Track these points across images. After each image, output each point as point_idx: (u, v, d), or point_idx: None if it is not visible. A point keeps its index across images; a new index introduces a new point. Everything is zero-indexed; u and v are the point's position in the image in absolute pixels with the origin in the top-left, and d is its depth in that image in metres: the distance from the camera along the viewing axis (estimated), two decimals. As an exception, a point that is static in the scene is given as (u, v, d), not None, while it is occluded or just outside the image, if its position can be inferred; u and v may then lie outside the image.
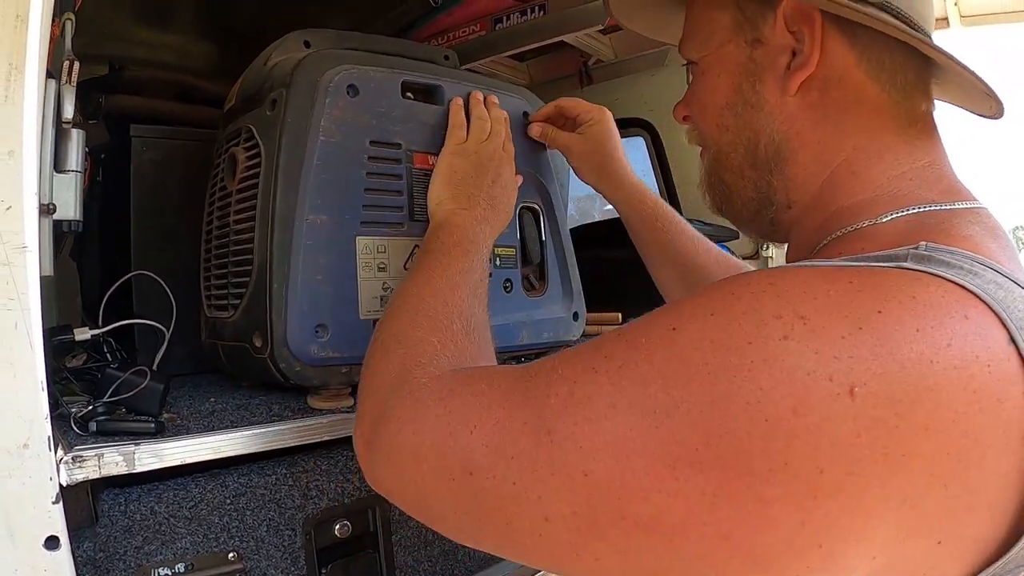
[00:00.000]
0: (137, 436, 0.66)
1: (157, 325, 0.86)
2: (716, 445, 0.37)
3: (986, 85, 0.54)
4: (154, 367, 0.89)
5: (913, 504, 0.38)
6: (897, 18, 0.53)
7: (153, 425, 0.68)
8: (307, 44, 0.95)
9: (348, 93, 0.88)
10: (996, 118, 0.59)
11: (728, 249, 2.09)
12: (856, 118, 0.56)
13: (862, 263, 0.43)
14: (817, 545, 0.37)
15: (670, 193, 2.36)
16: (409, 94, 0.95)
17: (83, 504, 0.65)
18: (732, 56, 0.60)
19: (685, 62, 0.68)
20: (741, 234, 2.11)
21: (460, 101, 0.96)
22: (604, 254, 1.88)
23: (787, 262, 0.62)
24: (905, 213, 0.51)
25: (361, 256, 0.90)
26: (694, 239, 1.02)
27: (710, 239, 2.04)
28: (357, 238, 0.89)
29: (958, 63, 0.53)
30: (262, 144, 0.86)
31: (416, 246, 0.95)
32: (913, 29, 0.53)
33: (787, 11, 0.55)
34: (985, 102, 0.57)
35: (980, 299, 0.41)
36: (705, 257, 0.99)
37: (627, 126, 2.39)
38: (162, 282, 0.98)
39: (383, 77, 0.92)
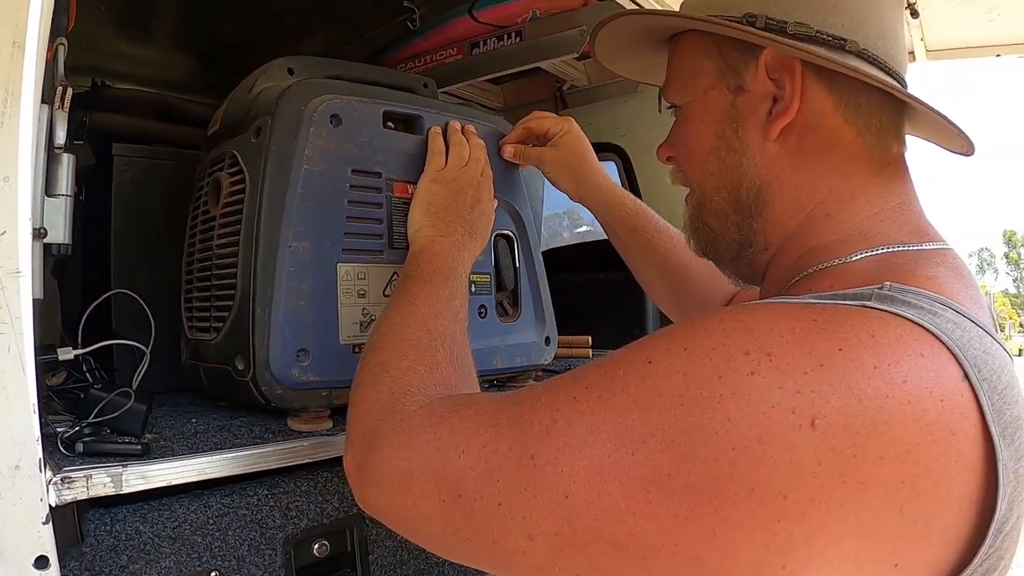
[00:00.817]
0: (124, 457, 0.68)
1: (138, 345, 0.87)
2: (687, 472, 0.40)
3: (956, 127, 0.57)
4: (134, 387, 0.90)
5: (871, 529, 0.41)
6: (874, 64, 0.56)
7: (140, 447, 0.70)
8: (291, 71, 0.98)
9: (331, 123, 0.91)
10: (967, 155, 0.62)
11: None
12: (832, 161, 0.58)
13: (828, 301, 0.46)
14: (781, 567, 0.40)
15: (640, 215, 2.41)
16: (390, 124, 0.99)
17: (69, 524, 0.66)
18: (715, 102, 0.61)
19: (670, 105, 0.69)
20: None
21: (439, 129, 1.00)
22: (573, 278, 1.93)
23: (760, 298, 0.66)
24: (874, 253, 0.54)
25: (342, 282, 0.92)
26: (673, 238, 1.04)
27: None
28: (338, 264, 0.92)
29: (931, 108, 0.56)
30: (246, 170, 0.89)
31: (395, 273, 0.98)
32: (889, 75, 0.56)
33: (769, 60, 0.58)
34: (957, 140, 0.60)
35: (937, 338, 0.44)
36: (685, 254, 0.98)
37: (599, 151, 2.42)
38: (141, 301, 0.99)
39: (365, 107, 0.95)
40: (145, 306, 0.99)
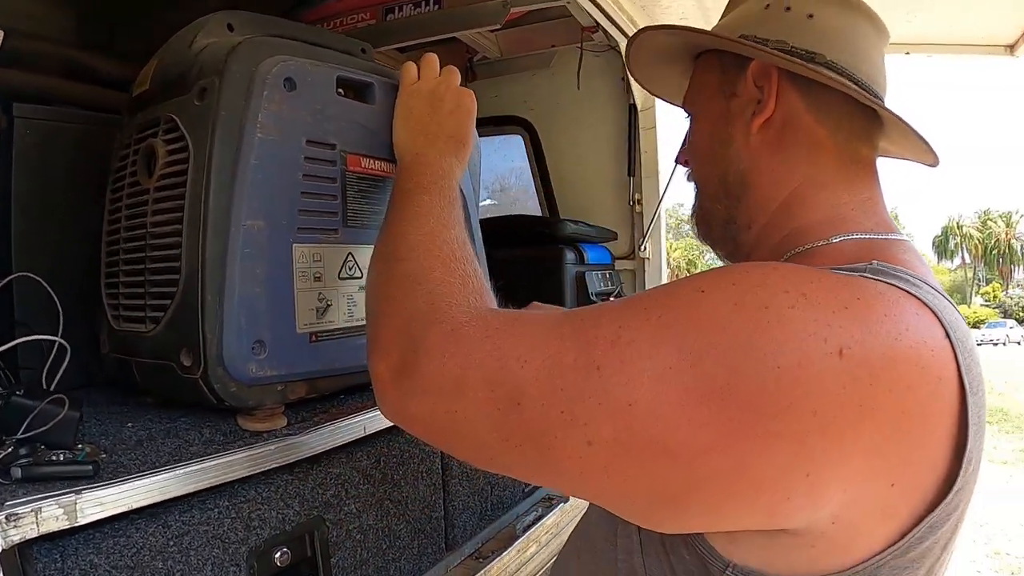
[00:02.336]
0: (73, 481, 0.57)
1: (59, 340, 0.74)
2: (738, 385, 0.46)
3: (923, 140, 0.65)
4: (50, 387, 0.77)
5: (875, 450, 0.48)
6: (840, 74, 0.64)
7: (89, 466, 0.59)
8: (230, 27, 0.87)
9: (285, 87, 0.81)
10: (934, 166, 0.71)
11: (607, 250, 2.18)
12: (806, 154, 0.67)
13: (830, 271, 0.53)
14: (805, 474, 0.47)
15: (547, 191, 2.41)
16: (340, 91, 0.90)
17: (12, 567, 0.55)
18: (715, 107, 0.72)
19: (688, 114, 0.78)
20: (619, 234, 2.21)
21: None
22: (500, 253, 1.89)
23: None
24: (850, 237, 0.62)
25: (297, 265, 0.83)
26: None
27: (591, 239, 2.11)
28: (294, 245, 0.83)
29: (894, 115, 0.64)
30: (189, 137, 0.77)
31: (350, 254, 0.91)
32: (856, 85, 0.64)
33: (754, 70, 0.68)
34: (925, 154, 0.69)
35: (924, 303, 0.52)
36: None
37: (506, 124, 2.41)
38: (47, 286, 0.85)
39: (318, 71, 0.86)
40: (52, 292, 0.85)
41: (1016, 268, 54.94)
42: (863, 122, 0.67)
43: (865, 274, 0.53)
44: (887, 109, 0.64)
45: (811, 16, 0.66)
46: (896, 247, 0.61)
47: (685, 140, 0.78)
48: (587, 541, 0.72)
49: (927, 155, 0.69)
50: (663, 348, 0.48)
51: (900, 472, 0.49)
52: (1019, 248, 54.21)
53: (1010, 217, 56.26)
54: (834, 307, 0.48)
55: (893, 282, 0.52)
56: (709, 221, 0.75)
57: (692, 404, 0.46)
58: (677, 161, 0.80)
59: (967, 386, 0.51)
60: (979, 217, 57.81)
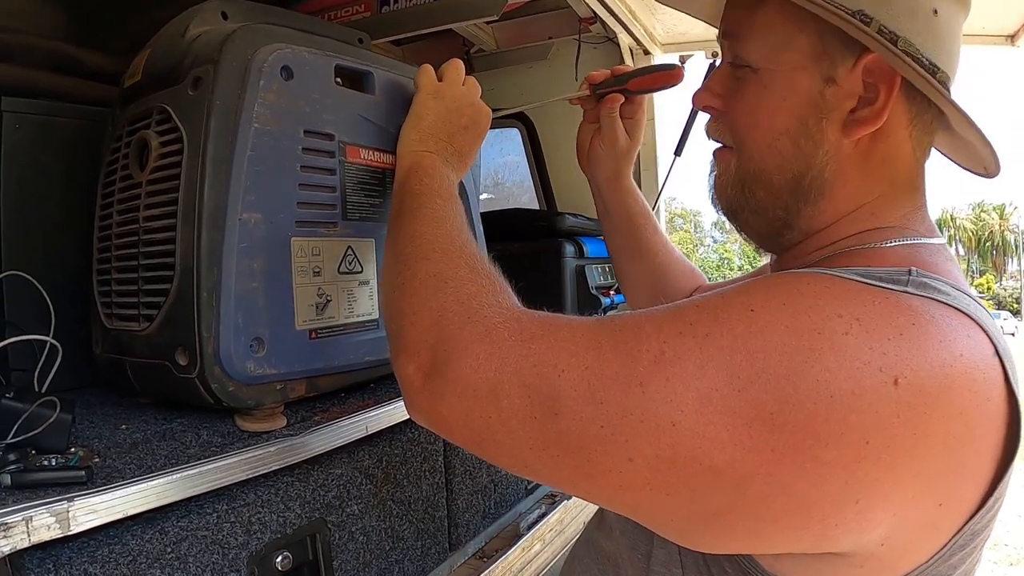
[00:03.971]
0: (66, 487, 0.55)
1: (51, 341, 0.72)
2: (788, 412, 0.45)
3: (992, 150, 0.60)
4: (42, 389, 0.75)
5: (925, 473, 0.47)
6: (945, 87, 0.56)
7: (82, 472, 0.57)
8: (224, 16, 0.84)
9: (282, 75, 0.79)
10: (990, 176, 0.64)
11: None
12: (890, 171, 0.60)
13: (872, 282, 0.51)
14: (855, 501, 0.46)
15: (544, 185, 2.38)
16: (338, 80, 0.87)
17: None
18: (803, 85, 0.59)
19: (733, 61, 0.64)
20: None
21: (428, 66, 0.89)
22: (498, 246, 1.87)
23: (778, 269, 0.69)
24: (902, 243, 0.59)
25: (296, 259, 0.81)
26: (664, 238, 1.05)
27: (591, 233, 2.08)
28: (292, 239, 0.80)
29: (986, 139, 0.59)
30: (183, 128, 0.75)
31: (350, 247, 0.88)
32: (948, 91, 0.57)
33: (871, 64, 0.57)
34: (980, 163, 0.63)
35: (973, 320, 0.51)
36: (667, 254, 1.03)
37: (504, 118, 2.38)
38: (38, 285, 0.82)
39: (316, 60, 0.83)
40: (43, 291, 0.82)
41: (1010, 260, 55.15)
42: (934, 135, 0.62)
43: (908, 288, 0.50)
44: (986, 140, 0.59)
45: (936, 12, 0.56)
46: (938, 254, 0.58)
47: (717, 83, 0.66)
48: (607, 553, 0.69)
49: (981, 164, 0.63)
50: (710, 370, 0.47)
51: (947, 491, 0.49)
52: (1013, 240, 54.43)
53: (1003, 209, 56.45)
54: (889, 334, 0.47)
55: (940, 298, 0.50)
56: (755, 210, 0.65)
57: (739, 427, 0.45)
58: (700, 105, 0.68)
59: (1021, 400, 0.50)
60: (973, 209, 57.94)
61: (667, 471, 0.47)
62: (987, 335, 0.50)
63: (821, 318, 0.47)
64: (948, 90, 0.57)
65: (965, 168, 0.66)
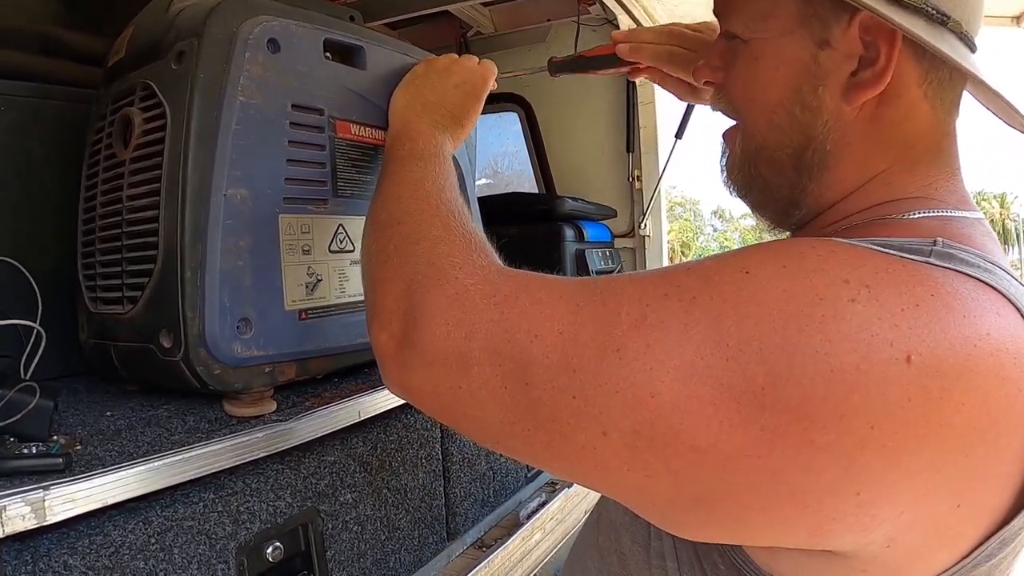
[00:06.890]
0: (42, 475, 0.52)
1: (36, 327, 0.69)
2: (781, 387, 0.39)
3: (1016, 110, 0.53)
4: (27, 376, 0.72)
5: (940, 468, 0.41)
6: (967, 46, 0.52)
7: (60, 459, 0.54)
8: (209, -12, 0.80)
9: (268, 48, 0.75)
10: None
11: (607, 228, 2.13)
12: (904, 134, 0.54)
13: (892, 252, 0.45)
14: (855, 493, 0.40)
15: (544, 169, 2.35)
16: (328, 54, 0.84)
17: (-27, 568, 0.50)
18: (793, 51, 0.54)
19: (725, 33, 0.60)
20: (618, 212, 2.15)
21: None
22: (497, 230, 1.84)
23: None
24: (931, 214, 0.52)
25: (284, 237, 0.78)
26: None
27: (591, 216, 2.05)
28: (280, 216, 0.77)
29: (1007, 101, 0.53)
30: (166, 103, 0.72)
31: (341, 225, 0.85)
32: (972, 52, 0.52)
33: (867, 20, 0.51)
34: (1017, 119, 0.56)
35: (1004, 296, 0.44)
36: None
37: (501, 101, 2.35)
38: (24, 269, 0.79)
39: (304, 32, 0.80)
40: (29, 276, 0.80)
41: (1010, 248, 55.09)
42: (960, 88, 0.54)
43: (930, 259, 0.44)
44: (1004, 98, 0.52)
45: None
46: (974, 228, 0.51)
47: (715, 56, 0.63)
48: (611, 542, 0.66)
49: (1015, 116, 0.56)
50: (696, 335, 0.42)
51: (967, 491, 0.43)
52: (1014, 228, 54.36)
53: (1004, 197, 56.35)
54: (903, 304, 0.41)
55: (967, 271, 0.44)
56: (764, 190, 0.61)
57: (726, 402, 0.40)
58: (700, 79, 0.65)
59: None
60: (974, 197, 57.81)
61: (645, 449, 0.42)
62: (1020, 313, 0.44)
63: (825, 283, 0.41)
64: (969, 38, 0.51)
65: (1008, 124, 0.58)
